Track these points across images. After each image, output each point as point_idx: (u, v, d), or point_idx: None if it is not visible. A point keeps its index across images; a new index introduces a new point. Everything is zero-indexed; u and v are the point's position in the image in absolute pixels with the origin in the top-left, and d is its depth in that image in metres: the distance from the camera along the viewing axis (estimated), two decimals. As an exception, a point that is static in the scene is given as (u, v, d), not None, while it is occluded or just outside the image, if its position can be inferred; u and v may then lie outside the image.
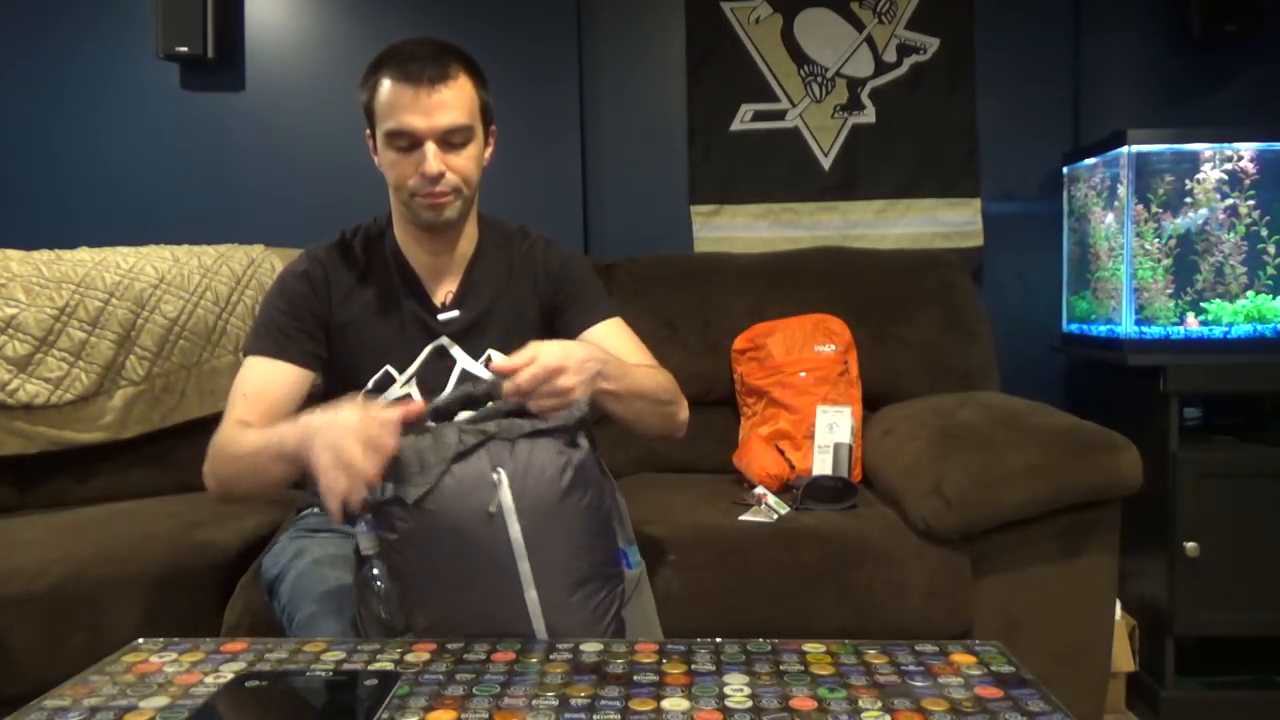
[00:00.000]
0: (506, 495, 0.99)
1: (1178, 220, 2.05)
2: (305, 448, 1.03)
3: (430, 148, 1.24)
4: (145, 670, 0.90)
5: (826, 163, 2.56)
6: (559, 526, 1.01)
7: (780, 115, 2.56)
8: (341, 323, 1.34)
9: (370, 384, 1.34)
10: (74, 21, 2.53)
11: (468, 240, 1.39)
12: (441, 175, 1.25)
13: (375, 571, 1.03)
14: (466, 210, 1.33)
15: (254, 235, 2.29)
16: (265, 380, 1.29)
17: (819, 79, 2.55)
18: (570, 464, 1.03)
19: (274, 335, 1.31)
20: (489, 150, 1.36)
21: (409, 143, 1.25)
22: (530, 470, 1.01)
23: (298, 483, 1.50)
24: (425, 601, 1.01)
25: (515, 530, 0.99)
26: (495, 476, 0.99)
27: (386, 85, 1.25)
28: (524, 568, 0.99)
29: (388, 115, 1.25)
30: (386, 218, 1.40)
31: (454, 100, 1.25)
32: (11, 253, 2.04)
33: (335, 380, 1.36)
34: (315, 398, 1.30)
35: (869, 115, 2.55)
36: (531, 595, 0.99)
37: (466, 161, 1.28)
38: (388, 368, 1.34)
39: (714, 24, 2.55)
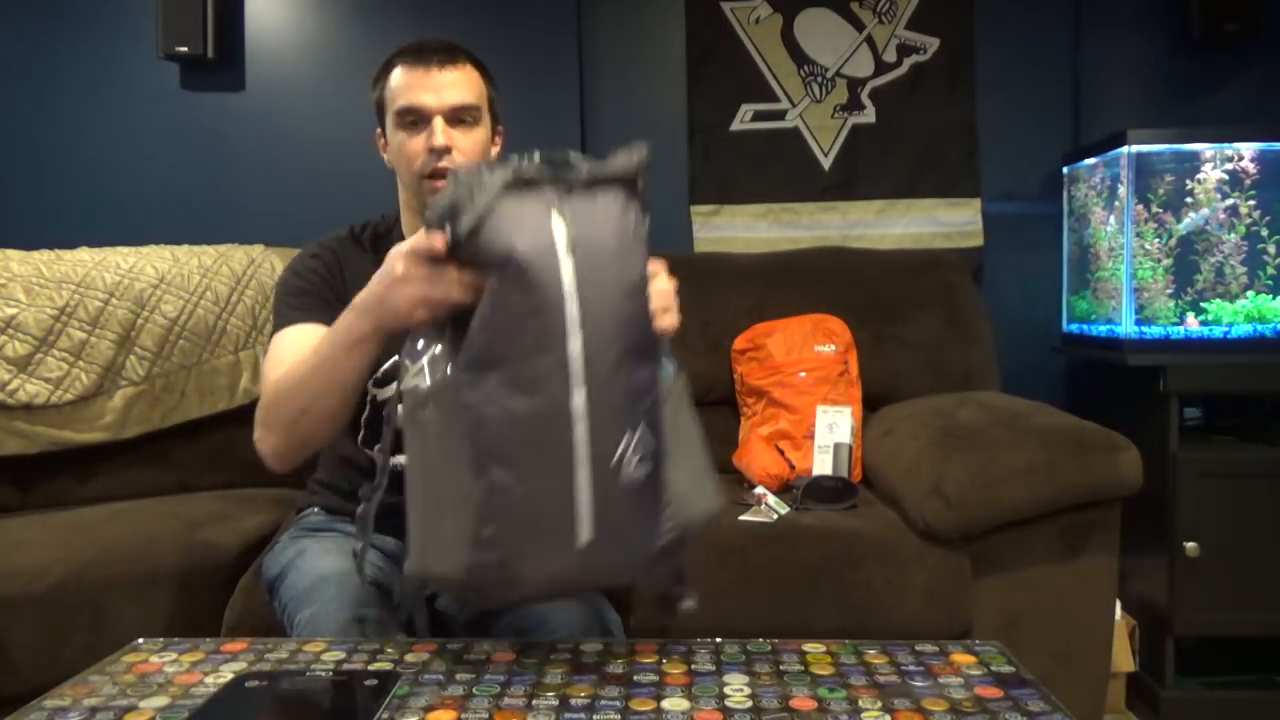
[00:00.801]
0: (560, 231, 0.88)
1: (1182, 224, 2.05)
2: (369, 297, 1.01)
3: (438, 121, 1.27)
4: (145, 670, 0.90)
5: (826, 163, 2.56)
6: (612, 279, 0.90)
7: (780, 115, 2.56)
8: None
9: (380, 372, 1.33)
10: (74, 21, 2.53)
11: None
12: (448, 150, 1.27)
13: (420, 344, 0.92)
14: None
15: (254, 235, 2.29)
16: (304, 344, 1.23)
17: (819, 79, 2.55)
18: (630, 218, 0.93)
19: (298, 306, 1.29)
20: (496, 150, 1.37)
21: (418, 119, 1.27)
22: (591, 211, 0.91)
23: (300, 483, 1.51)
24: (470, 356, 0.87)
25: (567, 267, 0.88)
26: (551, 212, 0.89)
27: (398, 71, 1.30)
28: (571, 310, 0.87)
29: (398, 96, 1.28)
30: (395, 215, 1.41)
31: (463, 81, 1.29)
32: (11, 253, 2.05)
33: None
34: None
35: (869, 115, 2.55)
36: (574, 345, 0.87)
37: (473, 144, 1.30)
38: (398, 357, 1.33)
39: (714, 24, 2.55)
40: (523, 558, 0.86)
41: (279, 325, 1.29)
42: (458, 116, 1.28)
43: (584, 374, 0.86)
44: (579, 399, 0.86)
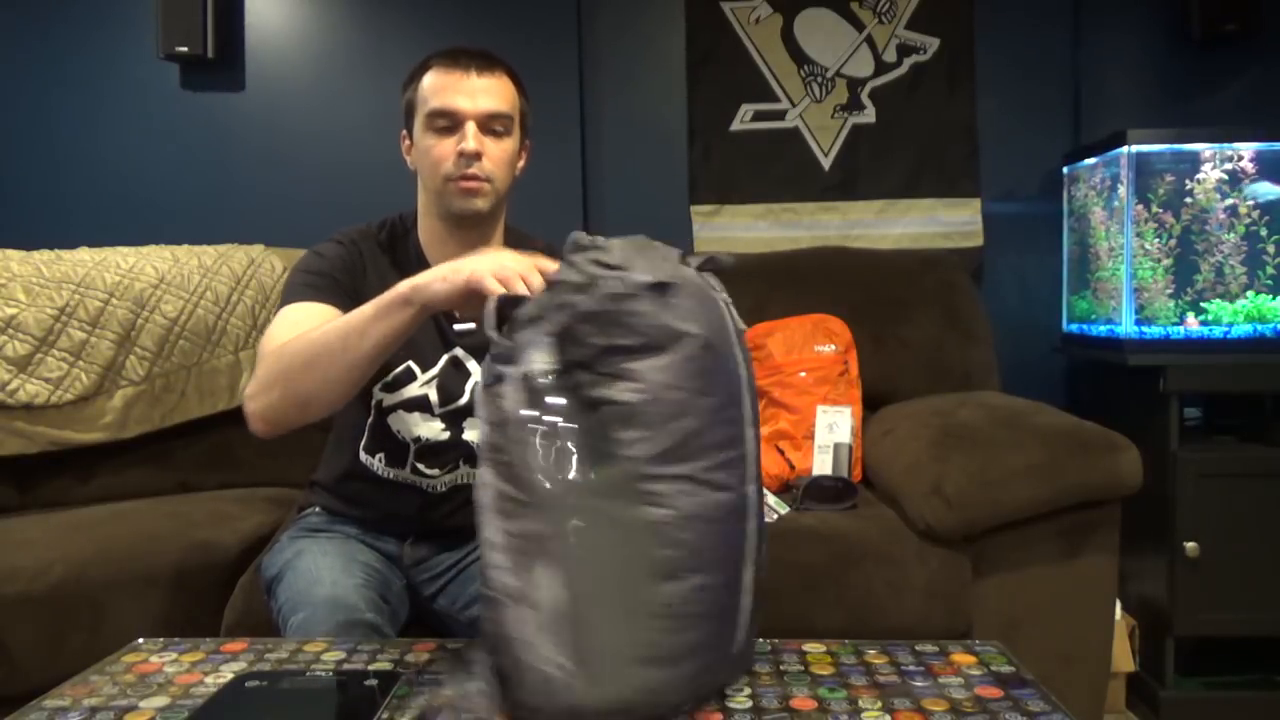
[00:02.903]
0: (733, 315, 0.83)
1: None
2: (433, 278, 0.96)
3: (471, 126, 1.25)
4: (145, 670, 0.90)
5: (826, 163, 2.56)
6: (749, 366, 0.85)
7: (780, 115, 2.56)
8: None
9: (391, 376, 1.33)
10: (74, 21, 2.53)
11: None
12: (479, 156, 1.25)
13: (549, 401, 0.75)
14: (496, 209, 1.32)
15: (254, 235, 2.29)
16: (312, 319, 1.17)
17: (819, 79, 2.55)
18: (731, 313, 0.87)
19: (315, 285, 1.25)
20: (521, 163, 1.36)
21: (450, 123, 1.26)
22: (732, 311, 0.85)
23: (300, 482, 1.51)
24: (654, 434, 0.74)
25: (740, 353, 0.82)
26: (723, 295, 0.84)
27: (432, 73, 1.28)
28: (746, 399, 0.81)
29: (431, 97, 1.27)
30: (412, 218, 1.39)
31: (498, 89, 1.28)
32: (11, 253, 2.05)
33: None
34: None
35: (869, 115, 2.55)
36: (750, 434, 0.81)
37: (502, 153, 1.29)
38: (410, 364, 1.33)
39: (714, 24, 2.55)
40: (689, 673, 0.75)
41: (288, 299, 1.24)
42: (490, 125, 1.27)
43: (756, 468, 0.81)
44: (752, 491, 0.80)
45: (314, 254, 1.32)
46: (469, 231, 1.33)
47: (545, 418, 0.75)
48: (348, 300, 1.23)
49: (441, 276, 0.97)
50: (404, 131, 1.35)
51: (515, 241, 1.41)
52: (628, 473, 0.73)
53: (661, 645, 0.73)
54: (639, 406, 0.74)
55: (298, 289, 1.25)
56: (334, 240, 1.34)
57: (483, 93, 1.26)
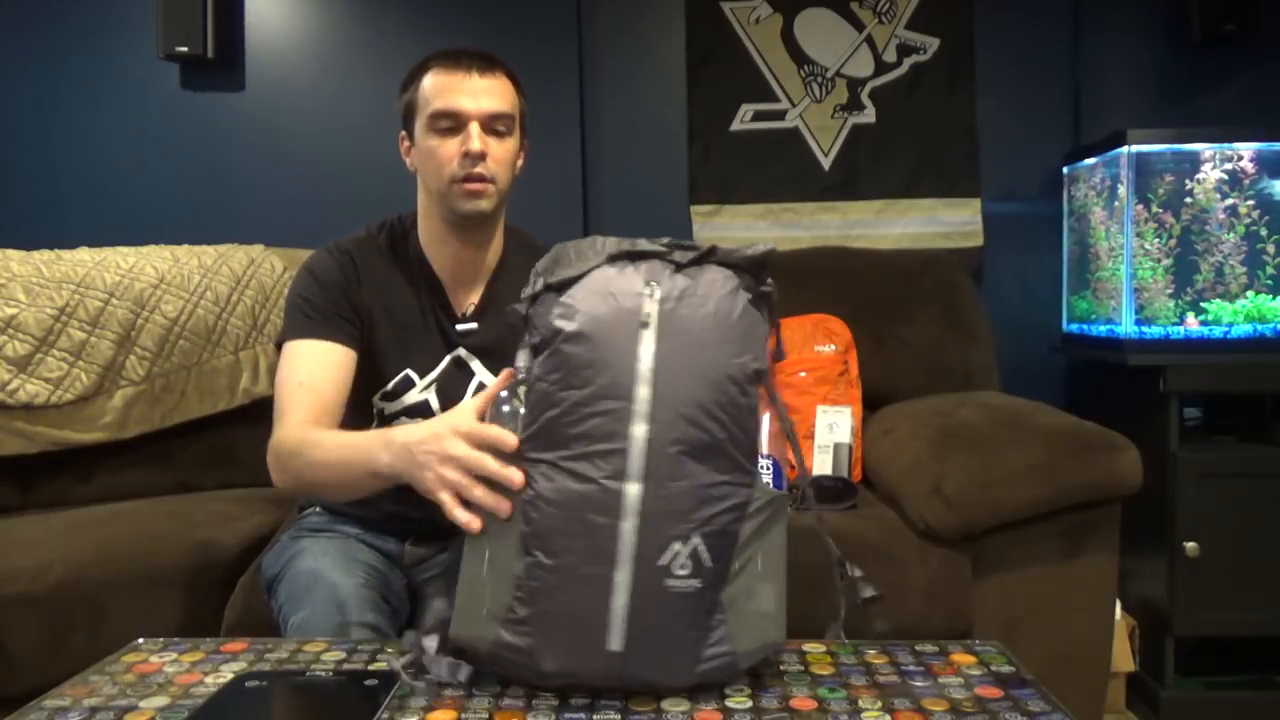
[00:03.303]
0: (651, 308, 0.82)
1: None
2: (405, 446, 0.96)
3: (474, 126, 1.25)
4: (145, 670, 0.90)
5: (826, 163, 2.56)
6: (700, 366, 0.82)
7: (780, 115, 2.56)
8: (371, 315, 1.31)
9: (390, 385, 1.33)
10: (74, 21, 2.53)
11: (492, 251, 1.37)
12: (484, 156, 1.25)
13: (509, 393, 0.88)
14: (497, 211, 1.32)
15: (254, 235, 2.29)
16: (317, 365, 1.24)
17: (819, 79, 2.55)
18: (735, 306, 0.84)
19: (314, 317, 1.26)
20: (520, 165, 1.36)
21: (453, 124, 1.25)
22: (694, 295, 0.83)
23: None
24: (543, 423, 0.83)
25: (647, 346, 0.82)
26: (648, 288, 0.83)
27: (433, 73, 1.28)
28: (641, 393, 0.81)
29: (433, 99, 1.26)
30: (411, 219, 1.38)
31: (500, 89, 1.28)
32: (11, 253, 2.04)
33: (358, 375, 1.32)
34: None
35: (869, 115, 2.55)
36: (639, 430, 0.81)
37: (505, 153, 1.29)
38: (408, 371, 1.33)
39: (714, 24, 2.55)
40: (548, 649, 0.81)
41: (292, 334, 1.27)
42: (492, 125, 1.27)
43: (643, 466, 0.80)
44: (633, 491, 0.80)
45: (310, 275, 1.30)
46: (471, 232, 1.32)
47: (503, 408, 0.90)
48: (348, 323, 1.28)
49: (408, 465, 0.95)
50: (402, 133, 1.34)
51: (518, 246, 1.41)
52: (520, 453, 0.85)
53: (514, 610, 0.82)
54: (526, 396, 0.85)
55: (299, 321, 1.27)
56: (327, 250, 1.33)
57: (485, 93, 1.26)
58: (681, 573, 0.81)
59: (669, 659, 0.82)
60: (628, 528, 0.80)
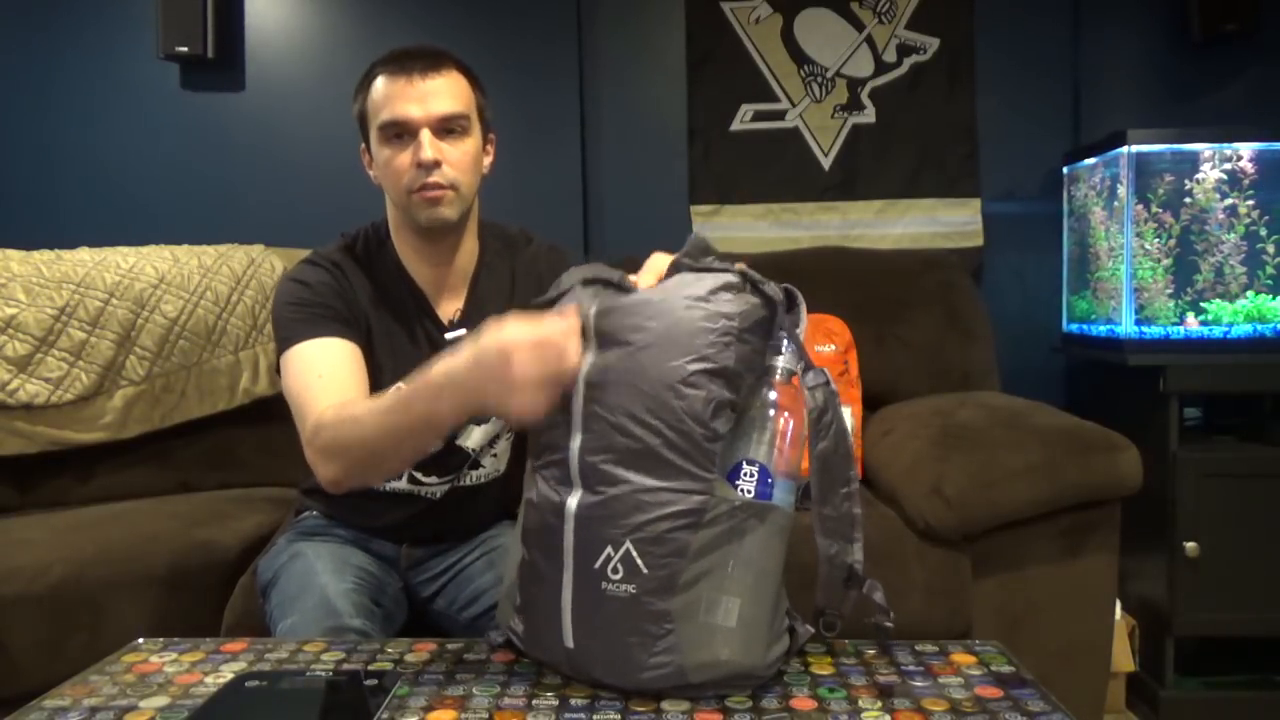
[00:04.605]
0: (590, 321, 0.87)
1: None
2: (465, 384, 0.91)
3: (425, 134, 1.20)
4: (145, 670, 0.90)
5: (826, 163, 2.56)
6: (629, 373, 0.83)
7: (780, 115, 2.56)
8: (364, 324, 1.27)
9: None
10: (73, 21, 2.53)
11: (468, 254, 1.33)
12: (437, 164, 1.20)
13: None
14: (464, 215, 1.27)
15: (254, 235, 2.29)
16: (331, 359, 1.17)
17: (819, 79, 2.55)
18: (710, 307, 0.84)
19: (314, 318, 1.20)
20: (488, 160, 1.31)
21: (403, 131, 1.21)
22: (647, 308, 0.85)
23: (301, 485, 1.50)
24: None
25: (586, 360, 0.86)
26: (593, 304, 0.87)
27: (380, 82, 1.23)
28: (577, 405, 0.85)
29: (380, 109, 1.22)
30: (385, 227, 1.33)
31: (448, 89, 1.22)
32: (11, 253, 2.05)
33: None
34: None
35: (869, 115, 2.55)
36: (574, 443, 0.85)
37: (463, 155, 1.23)
38: (400, 386, 1.31)
39: (714, 24, 2.55)
40: (532, 639, 0.90)
41: (291, 339, 1.19)
42: (445, 127, 1.21)
43: (578, 475, 0.85)
44: (572, 501, 0.84)
45: (298, 283, 1.24)
46: (442, 240, 1.28)
47: None
48: (345, 323, 1.22)
49: (474, 402, 0.93)
50: (362, 145, 1.29)
51: (494, 241, 1.37)
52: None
53: (517, 600, 0.92)
54: None
55: (295, 325, 1.20)
56: (309, 262, 1.28)
57: (433, 95, 1.20)
58: (615, 577, 0.82)
59: (613, 661, 0.84)
60: (569, 530, 0.85)
